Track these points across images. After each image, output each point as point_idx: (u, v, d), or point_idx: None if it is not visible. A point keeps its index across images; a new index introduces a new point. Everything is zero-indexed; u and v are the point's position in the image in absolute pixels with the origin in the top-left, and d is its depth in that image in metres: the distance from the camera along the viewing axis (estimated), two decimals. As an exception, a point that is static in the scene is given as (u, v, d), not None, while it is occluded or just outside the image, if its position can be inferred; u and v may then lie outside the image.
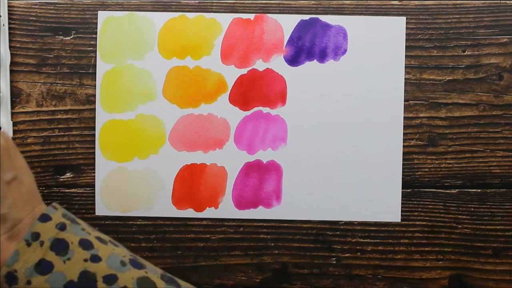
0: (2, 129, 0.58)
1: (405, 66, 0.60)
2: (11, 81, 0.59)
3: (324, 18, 0.60)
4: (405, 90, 0.60)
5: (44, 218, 0.45)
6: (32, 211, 0.46)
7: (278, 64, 0.60)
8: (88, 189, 0.60)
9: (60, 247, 0.44)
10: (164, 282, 0.45)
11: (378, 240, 0.61)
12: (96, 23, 0.60)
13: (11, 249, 0.44)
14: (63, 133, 0.60)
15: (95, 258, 0.44)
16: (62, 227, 0.45)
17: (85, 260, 0.44)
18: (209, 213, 0.60)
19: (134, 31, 0.60)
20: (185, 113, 0.60)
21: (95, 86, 0.60)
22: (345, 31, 0.60)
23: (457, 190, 0.61)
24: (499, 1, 0.60)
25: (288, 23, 0.60)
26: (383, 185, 0.60)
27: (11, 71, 0.59)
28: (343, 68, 0.60)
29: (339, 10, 0.60)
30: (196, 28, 0.60)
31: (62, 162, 0.60)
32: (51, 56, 0.60)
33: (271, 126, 0.60)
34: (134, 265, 0.46)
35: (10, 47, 0.59)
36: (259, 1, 0.60)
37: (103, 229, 0.60)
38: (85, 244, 0.45)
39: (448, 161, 0.61)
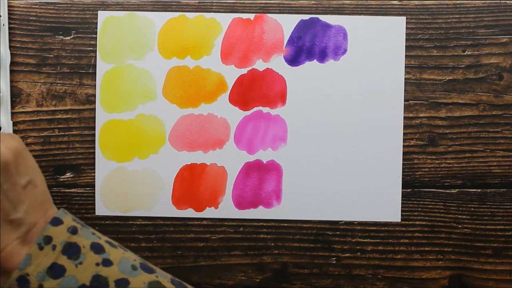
0: (2, 129, 0.58)
1: (405, 66, 0.60)
2: (11, 81, 0.59)
3: (324, 18, 0.60)
4: (405, 90, 0.60)
5: (56, 221, 0.45)
6: (45, 215, 0.46)
7: (278, 64, 0.60)
8: (88, 189, 0.60)
9: (72, 251, 0.44)
10: (175, 287, 0.45)
11: (378, 240, 0.61)
12: (96, 23, 0.60)
13: (23, 253, 0.43)
14: (63, 133, 0.60)
15: (107, 262, 0.44)
16: (73, 230, 0.45)
17: (97, 264, 0.44)
18: (209, 213, 0.60)
19: (134, 31, 0.60)
20: (185, 113, 0.60)
21: (95, 86, 0.60)
22: (345, 31, 0.60)
23: (457, 190, 0.61)
24: (499, 1, 0.60)
25: (288, 23, 0.60)
26: (383, 185, 0.60)
27: (11, 71, 0.59)
28: (343, 68, 0.60)
29: (339, 10, 0.60)
30: (196, 28, 0.60)
31: (62, 162, 0.60)
32: (51, 56, 0.60)
33: (271, 126, 0.60)
34: (145, 269, 0.45)
35: (10, 47, 0.59)
36: (259, 1, 0.60)
37: (103, 229, 0.60)
38: (97, 248, 0.45)
39: (448, 161, 0.61)
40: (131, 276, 0.44)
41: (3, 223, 0.43)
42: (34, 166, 0.47)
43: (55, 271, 0.43)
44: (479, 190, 0.61)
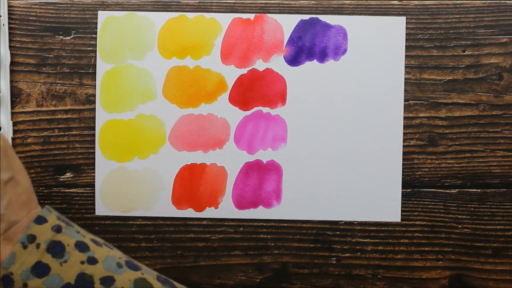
0: (2, 129, 0.58)
1: (405, 66, 0.60)
2: (11, 81, 0.59)
3: (324, 18, 0.60)
4: (405, 90, 0.60)
5: (40, 220, 0.45)
6: (28, 214, 0.45)
7: (278, 64, 0.60)
8: (88, 189, 0.60)
9: (56, 249, 0.44)
10: (160, 283, 0.45)
11: (378, 240, 0.61)
12: (96, 23, 0.60)
13: (6, 251, 0.43)
14: (63, 133, 0.60)
15: (92, 260, 0.44)
16: (58, 229, 0.45)
17: (82, 263, 0.44)
18: (209, 213, 0.60)
19: (134, 31, 0.60)
20: (185, 113, 0.60)
21: (95, 86, 0.60)
22: (345, 31, 0.60)
23: (457, 190, 0.61)
24: (499, 1, 0.60)
25: (288, 23, 0.60)
26: (383, 185, 0.60)
27: (11, 71, 0.59)
28: (343, 68, 0.60)
29: (339, 10, 0.60)
30: (196, 28, 0.60)
31: (62, 162, 0.60)
32: (51, 56, 0.60)
33: (271, 126, 0.60)
34: (130, 266, 0.45)
35: (10, 47, 0.59)
36: (259, 1, 0.60)
37: (103, 229, 0.60)
38: (81, 246, 0.45)
39: (448, 161, 0.61)
40: (117, 274, 0.44)
41: None
42: (19, 165, 0.47)
43: (40, 270, 0.43)
44: (479, 190, 0.61)
